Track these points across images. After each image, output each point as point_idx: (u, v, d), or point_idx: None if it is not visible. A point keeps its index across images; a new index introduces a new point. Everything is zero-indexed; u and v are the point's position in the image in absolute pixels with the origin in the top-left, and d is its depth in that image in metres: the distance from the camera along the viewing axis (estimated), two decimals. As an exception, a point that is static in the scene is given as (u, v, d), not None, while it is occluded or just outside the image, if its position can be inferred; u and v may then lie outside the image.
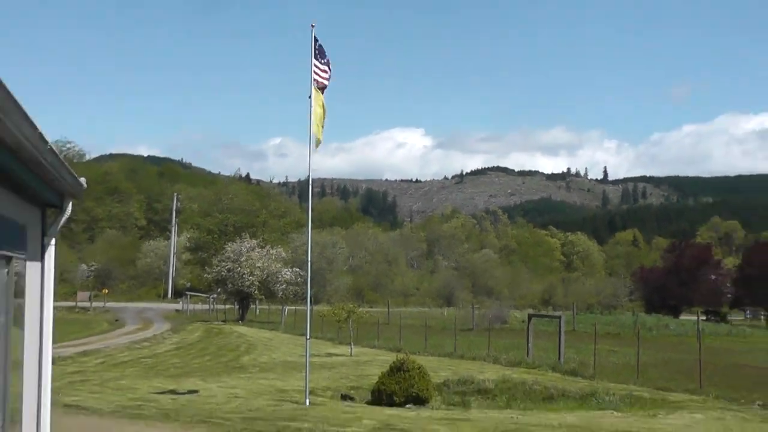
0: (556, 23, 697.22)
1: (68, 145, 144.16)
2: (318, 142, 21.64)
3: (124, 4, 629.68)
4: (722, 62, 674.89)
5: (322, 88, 21.62)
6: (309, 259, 23.39)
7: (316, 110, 21.25)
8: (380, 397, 21.87)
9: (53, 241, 8.79)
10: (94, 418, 17.99)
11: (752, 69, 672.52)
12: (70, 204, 8.60)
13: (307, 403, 20.82)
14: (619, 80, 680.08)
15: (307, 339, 22.47)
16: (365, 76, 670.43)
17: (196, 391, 23.74)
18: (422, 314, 76.38)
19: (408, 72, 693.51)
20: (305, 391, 21.38)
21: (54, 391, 21.81)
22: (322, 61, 21.45)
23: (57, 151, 7.27)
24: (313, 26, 21.52)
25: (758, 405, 23.51)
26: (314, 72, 21.38)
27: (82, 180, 8.47)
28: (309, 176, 22.68)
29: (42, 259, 8.63)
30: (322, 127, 21.49)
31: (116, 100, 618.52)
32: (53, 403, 19.24)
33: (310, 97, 21.26)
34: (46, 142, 6.52)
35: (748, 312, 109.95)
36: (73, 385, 24.64)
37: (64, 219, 8.73)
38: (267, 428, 16.32)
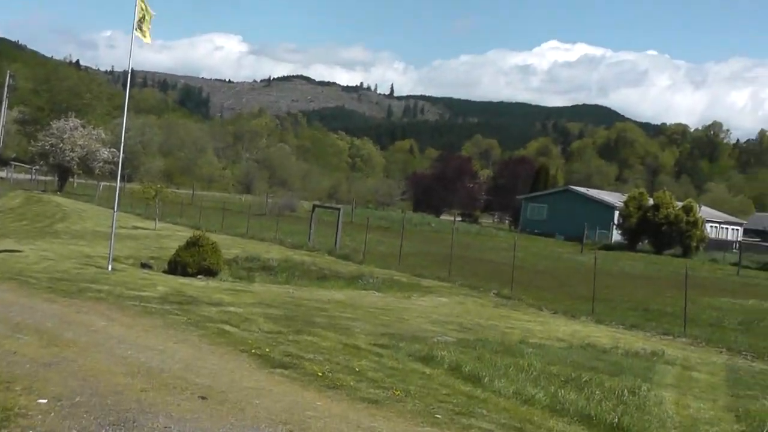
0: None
1: None
2: (146, 40, 20.76)
3: None
4: (496, 4, 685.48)
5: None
6: (123, 140, 22.79)
7: (141, 9, 20.37)
8: (176, 267, 21.59)
9: None
10: None
11: (518, 14, 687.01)
12: None
13: (110, 269, 20.35)
14: (410, 10, 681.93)
15: (114, 211, 22.02)
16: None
17: (11, 251, 22.88)
18: (223, 198, 75.68)
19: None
20: (109, 257, 20.92)
21: None
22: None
23: None
24: None
25: (494, 293, 24.50)
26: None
27: None
28: (129, 69, 21.92)
29: None
30: (148, 28, 20.60)
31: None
32: None
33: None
34: None
35: (496, 216, 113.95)
36: None
37: None
38: (70, 288, 15.85)
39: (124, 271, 20.98)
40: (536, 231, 79.68)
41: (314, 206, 42.53)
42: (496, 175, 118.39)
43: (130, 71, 21.96)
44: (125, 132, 23.34)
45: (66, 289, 15.57)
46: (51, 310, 12.91)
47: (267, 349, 10.82)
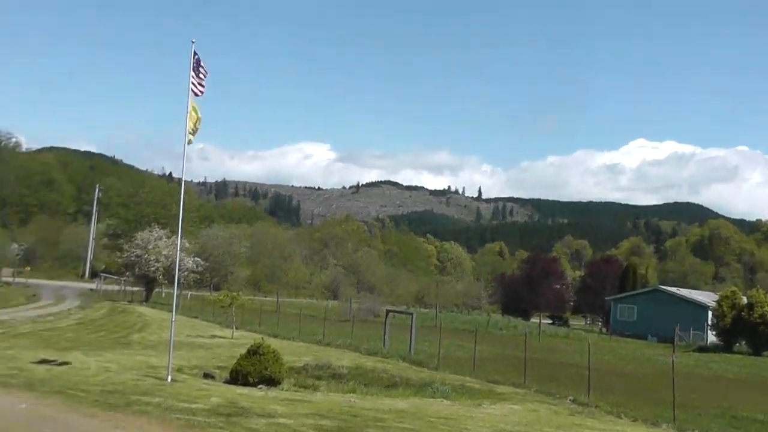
0: (444, 64, 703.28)
1: (7, 136, 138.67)
2: (189, 142, 20.79)
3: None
4: (582, 105, 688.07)
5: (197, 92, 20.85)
6: (179, 246, 22.63)
7: (192, 115, 20.39)
8: (237, 377, 21.05)
9: None
10: (-38, 383, 16.80)
11: (604, 114, 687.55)
12: None
13: (169, 380, 19.94)
14: (496, 114, 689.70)
15: (172, 320, 21.79)
16: (283, 93, 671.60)
17: (70, 363, 22.63)
18: (309, 305, 75.55)
19: (321, 92, 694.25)
20: (168, 367, 20.51)
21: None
22: (199, 74, 20.61)
23: None
24: (193, 42, 20.67)
25: (570, 400, 23.30)
26: (192, 83, 20.51)
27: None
28: (182, 170, 21.80)
29: None
30: (195, 130, 20.62)
31: (66, 98, 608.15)
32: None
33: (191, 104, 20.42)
34: None
35: (588, 318, 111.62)
36: (-38, 352, 23.27)
37: None
38: (118, 401, 15.37)
39: (184, 381, 20.53)
40: (627, 333, 77.53)
41: (387, 311, 41.89)
42: (584, 276, 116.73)
43: (183, 177, 21.87)
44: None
45: (113, 402, 15.11)
46: (86, 426, 12.41)
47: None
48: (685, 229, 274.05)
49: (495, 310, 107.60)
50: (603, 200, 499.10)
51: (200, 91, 20.68)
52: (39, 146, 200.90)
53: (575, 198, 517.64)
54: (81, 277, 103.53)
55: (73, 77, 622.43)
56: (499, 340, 51.75)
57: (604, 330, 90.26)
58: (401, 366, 29.81)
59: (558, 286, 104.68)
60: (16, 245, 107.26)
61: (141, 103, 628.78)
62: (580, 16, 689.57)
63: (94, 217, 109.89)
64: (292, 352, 30.91)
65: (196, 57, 20.55)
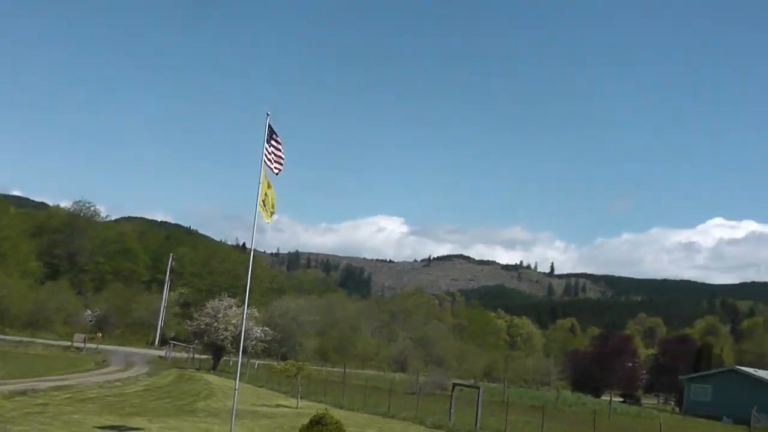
0: (521, 144, 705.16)
1: (87, 205, 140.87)
2: (268, 221, 20.93)
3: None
4: (658, 183, 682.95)
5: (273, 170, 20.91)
6: (245, 314, 22.65)
7: (263, 190, 20.50)
8: (297, 447, 20.78)
9: None
10: (23, 446, 16.75)
11: (681, 191, 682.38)
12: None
13: (228, 448, 19.80)
14: (570, 191, 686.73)
15: (236, 388, 21.56)
16: (357, 169, 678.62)
17: (138, 429, 22.58)
18: (375, 377, 74.99)
19: (396, 169, 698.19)
20: (228, 436, 20.38)
21: (8, 421, 20.70)
22: (272, 146, 20.73)
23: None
24: (268, 114, 20.87)
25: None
26: (265, 155, 20.62)
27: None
28: (252, 240, 21.85)
29: None
30: (269, 205, 20.70)
31: (145, 170, 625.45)
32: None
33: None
34: None
35: (661, 397, 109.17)
36: (28, 416, 23.30)
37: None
38: (175, 467, 15.22)
39: (243, 451, 20.32)
40: (700, 413, 75.43)
41: (454, 384, 41.33)
42: (657, 354, 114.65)
43: (252, 248, 21.92)
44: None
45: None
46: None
47: None
48: (763, 310, 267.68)
49: (565, 386, 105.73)
50: (678, 278, 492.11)
51: (277, 170, 20.76)
52: (117, 216, 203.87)
53: (650, 275, 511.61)
54: (151, 344, 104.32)
55: (152, 150, 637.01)
56: (568, 417, 50.64)
57: (677, 409, 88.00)
58: (466, 441, 29.26)
59: (630, 364, 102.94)
60: (89, 311, 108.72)
61: (217, 174, 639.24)
62: (663, 96, 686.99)
63: (166, 286, 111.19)
64: (356, 423, 30.56)
65: (270, 129, 20.71)
